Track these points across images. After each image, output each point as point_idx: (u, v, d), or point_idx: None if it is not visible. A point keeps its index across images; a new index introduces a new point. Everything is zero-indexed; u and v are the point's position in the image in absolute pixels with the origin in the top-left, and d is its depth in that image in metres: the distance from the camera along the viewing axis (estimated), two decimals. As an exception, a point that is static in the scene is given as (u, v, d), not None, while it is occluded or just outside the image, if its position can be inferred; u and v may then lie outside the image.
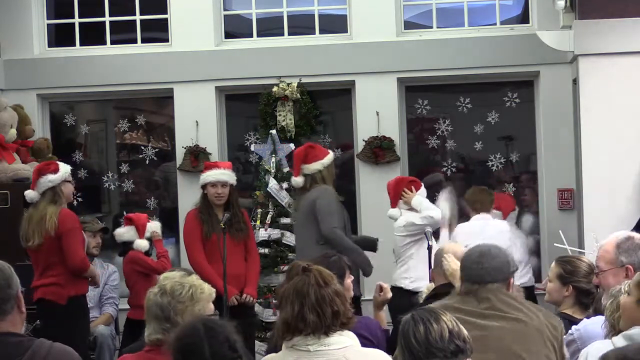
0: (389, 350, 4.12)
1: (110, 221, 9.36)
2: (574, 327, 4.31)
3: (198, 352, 3.21)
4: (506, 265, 4.04)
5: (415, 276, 7.08)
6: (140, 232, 7.65)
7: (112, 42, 9.23)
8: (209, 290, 3.88)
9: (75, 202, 9.16)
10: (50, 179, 6.91)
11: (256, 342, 7.69)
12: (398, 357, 3.19)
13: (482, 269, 3.97)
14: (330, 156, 7.26)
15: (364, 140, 8.83)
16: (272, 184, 8.42)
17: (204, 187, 7.39)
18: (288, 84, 8.79)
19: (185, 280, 3.86)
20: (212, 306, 3.86)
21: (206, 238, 7.23)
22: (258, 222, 8.35)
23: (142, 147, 9.34)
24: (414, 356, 3.10)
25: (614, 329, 3.79)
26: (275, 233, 8.35)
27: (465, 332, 3.18)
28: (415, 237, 7.18)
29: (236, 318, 6.73)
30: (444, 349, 3.09)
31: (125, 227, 7.73)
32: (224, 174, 7.37)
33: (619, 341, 3.51)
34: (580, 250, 6.98)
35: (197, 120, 8.94)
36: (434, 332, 3.10)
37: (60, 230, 6.78)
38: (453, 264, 4.93)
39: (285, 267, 7.45)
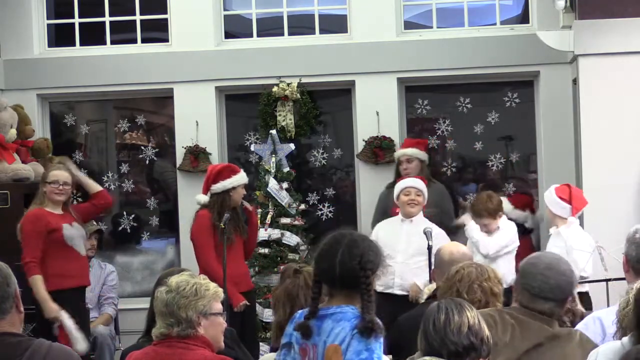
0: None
1: (109, 221, 9.36)
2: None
3: (331, 256, 3.46)
4: (569, 285, 3.81)
5: None
6: None
7: (112, 42, 9.22)
8: (214, 289, 3.88)
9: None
10: None
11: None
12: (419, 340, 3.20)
13: (547, 283, 3.75)
14: None
15: (364, 140, 8.82)
16: (272, 184, 8.41)
17: (227, 191, 7.10)
18: (288, 84, 8.79)
19: (191, 278, 3.88)
20: (219, 305, 3.86)
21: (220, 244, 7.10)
22: (258, 222, 8.34)
23: (142, 147, 9.33)
24: (429, 343, 3.11)
25: (620, 325, 3.77)
26: (275, 233, 8.34)
27: (486, 332, 3.15)
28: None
29: (236, 316, 6.81)
30: (457, 342, 3.08)
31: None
32: None
33: (627, 342, 3.50)
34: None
35: (197, 120, 8.92)
36: (452, 324, 3.10)
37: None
38: None
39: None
